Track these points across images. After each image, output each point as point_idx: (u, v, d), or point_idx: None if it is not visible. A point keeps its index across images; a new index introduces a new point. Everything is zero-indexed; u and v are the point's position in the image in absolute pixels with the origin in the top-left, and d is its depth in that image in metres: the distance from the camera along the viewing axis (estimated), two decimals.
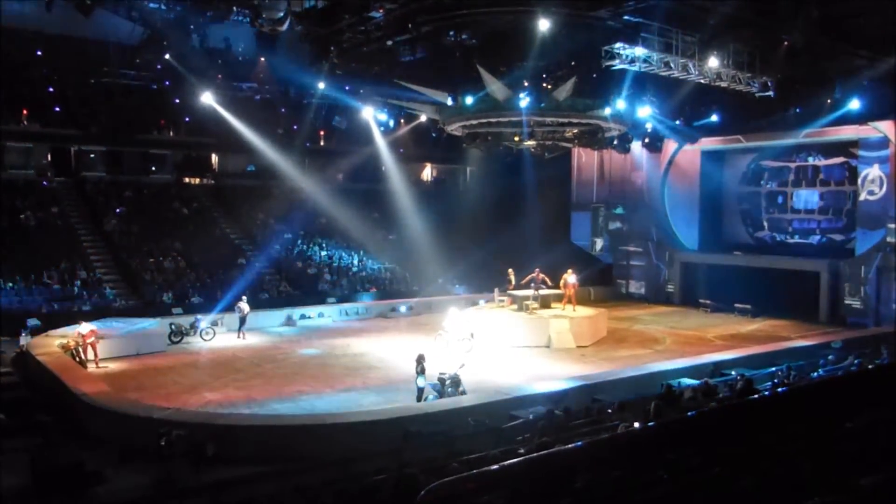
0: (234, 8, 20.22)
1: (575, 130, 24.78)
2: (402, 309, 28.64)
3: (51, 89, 29.20)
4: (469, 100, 22.15)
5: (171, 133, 34.14)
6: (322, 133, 36.63)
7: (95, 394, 14.62)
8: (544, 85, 21.96)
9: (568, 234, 37.57)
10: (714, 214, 33.54)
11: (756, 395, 10.12)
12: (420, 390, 15.44)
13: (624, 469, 5.09)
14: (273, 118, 32.37)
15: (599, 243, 36.25)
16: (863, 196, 26.89)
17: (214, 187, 34.59)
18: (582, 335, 22.26)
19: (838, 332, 24.15)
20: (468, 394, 15.20)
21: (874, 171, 26.47)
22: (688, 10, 18.51)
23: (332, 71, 23.75)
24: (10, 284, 23.59)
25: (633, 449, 5.56)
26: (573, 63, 21.78)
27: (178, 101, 29.55)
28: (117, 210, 29.86)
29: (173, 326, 22.46)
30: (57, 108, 30.38)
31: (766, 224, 31.93)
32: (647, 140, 31.27)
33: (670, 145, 32.20)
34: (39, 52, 27.55)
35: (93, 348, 18.73)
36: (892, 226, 25.50)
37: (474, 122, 23.78)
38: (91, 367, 18.38)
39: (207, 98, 27.25)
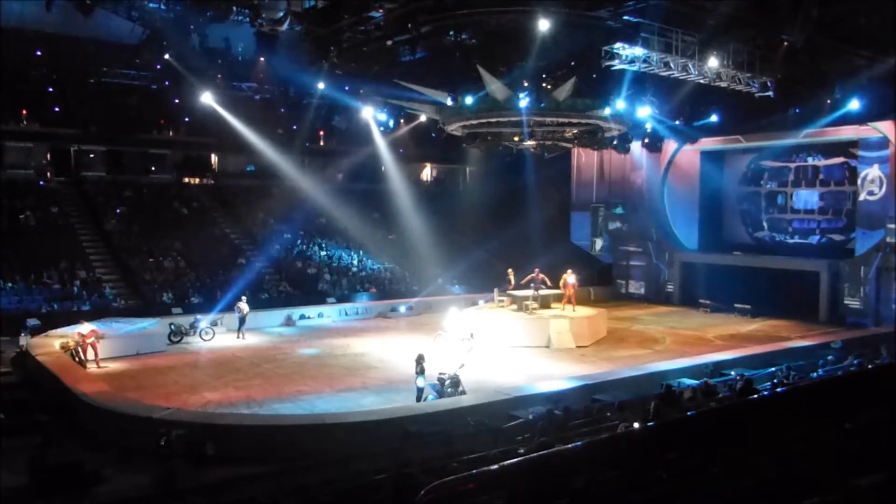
0: (234, 8, 20.21)
1: (575, 130, 24.77)
2: (402, 309, 28.64)
3: (50, 89, 29.23)
4: (469, 100, 22.13)
5: (171, 133, 34.18)
6: (322, 133, 36.68)
7: (95, 394, 14.63)
8: (544, 85, 21.95)
9: (568, 234, 37.56)
10: (714, 214, 33.54)
11: (756, 396, 10.12)
12: (420, 390, 15.44)
13: (623, 469, 5.09)
14: (273, 118, 32.39)
15: (599, 243, 36.24)
16: (862, 196, 26.88)
17: (214, 187, 34.59)
18: (582, 335, 22.26)
19: (838, 332, 24.16)
20: (468, 394, 15.19)
21: (874, 172, 26.46)
22: (688, 10, 18.51)
23: (331, 71, 23.72)
24: (10, 284, 23.59)
25: (632, 449, 5.56)
26: (573, 63, 21.77)
27: (177, 100, 29.55)
28: (117, 210, 29.86)
29: (173, 326, 22.46)
30: (56, 108, 30.41)
31: (765, 224, 31.93)
32: (646, 140, 31.26)
33: (670, 145, 32.19)
34: (39, 52, 27.57)
35: (93, 348, 18.73)
36: (892, 226, 25.48)
37: (474, 122, 23.76)
38: (91, 367, 18.38)
39: (207, 98, 27.25)
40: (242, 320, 23.16)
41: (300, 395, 16.40)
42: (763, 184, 31.94)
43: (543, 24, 17.79)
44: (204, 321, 22.86)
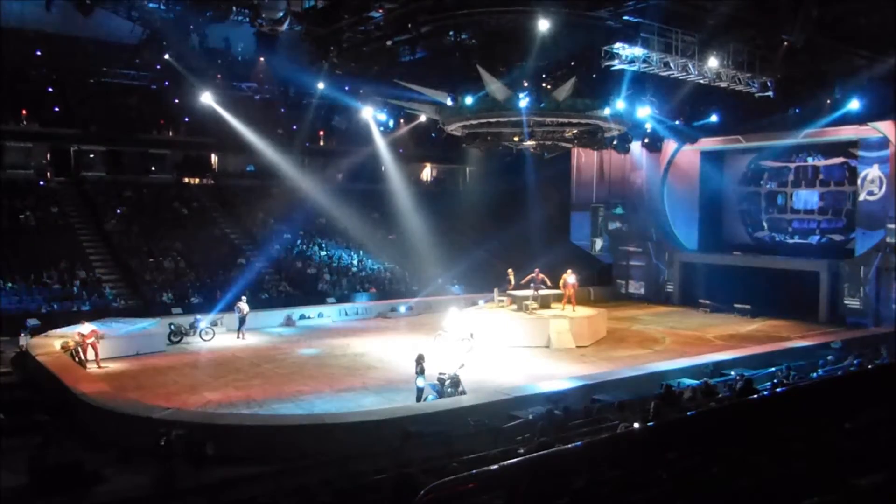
0: (234, 8, 20.20)
1: (574, 130, 24.77)
2: (402, 309, 28.64)
3: (50, 89, 29.22)
4: (469, 100, 22.13)
5: (171, 133, 34.18)
6: (322, 133, 36.68)
7: (95, 394, 14.63)
8: (544, 85, 21.95)
9: (567, 234, 37.56)
10: (714, 214, 33.55)
11: (755, 396, 10.12)
12: (420, 390, 15.44)
13: (623, 469, 5.09)
14: (273, 118, 32.38)
15: (599, 243, 36.24)
16: (862, 196, 26.88)
17: (214, 187, 34.60)
18: (581, 335, 22.26)
19: (838, 332, 24.17)
20: (468, 394, 15.19)
21: (874, 172, 26.47)
22: (688, 10, 18.50)
23: (331, 71, 23.72)
24: (10, 284, 23.58)
25: (632, 449, 5.56)
26: (573, 63, 21.76)
27: (177, 100, 29.55)
28: (117, 210, 29.86)
29: (173, 326, 22.47)
30: (56, 108, 30.41)
31: (765, 224, 31.93)
32: (646, 140, 31.25)
33: (670, 145, 32.19)
34: (39, 52, 27.56)
35: (93, 348, 18.74)
36: (892, 226, 25.49)
37: (474, 122, 23.76)
38: (92, 367, 18.39)
39: (207, 98, 27.24)
40: (242, 320, 23.16)
41: (300, 395, 16.40)
42: (763, 184, 31.94)
43: (543, 24, 17.79)
44: (204, 321, 22.87)
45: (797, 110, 25.89)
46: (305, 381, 17.71)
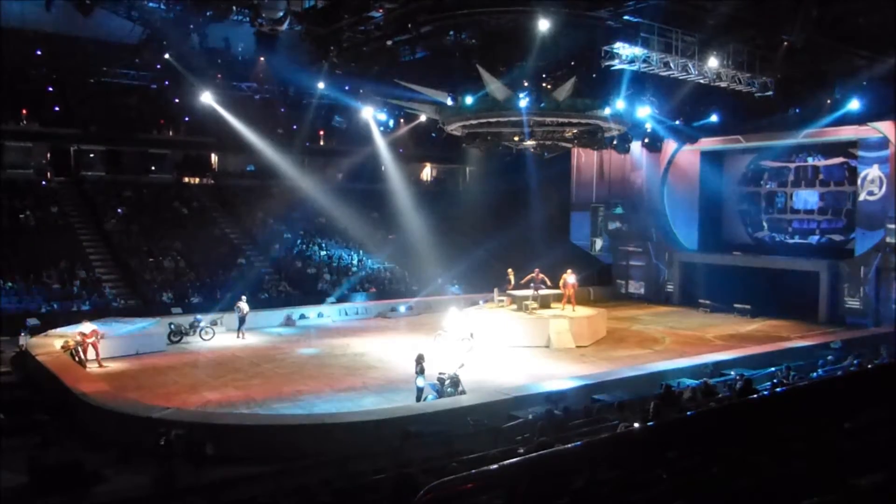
0: (234, 7, 20.21)
1: (574, 130, 24.77)
2: (402, 309, 28.64)
3: (50, 89, 29.19)
4: (469, 100, 22.13)
5: (171, 133, 34.17)
6: (322, 133, 36.66)
7: (95, 393, 14.63)
8: (544, 85, 21.96)
9: (567, 234, 37.57)
10: (713, 215, 33.55)
11: (755, 396, 10.12)
12: (419, 390, 15.44)
13: (623, 469, 5.09)
14: (273, 118, 32.36)
15: (599, 243, 36.25)
16: (862, 196, 26.89)
17: (214, 187, 34.60)
18: (581, 335, 22.26)
19: (837, 332, 24.18)
20: (467, 394, 15.19)
21: (874, 172, 26.47)
22: (688, 10, 18.51)
23: (331, 71, 23.74)
24: (10, 284, 23.57)
25: (632, 449, 5.56)
26: (573, 63, 21.77)
27: (177, 100, 29.54)
28: (117, 210, 29.85)
29: (173, 326, 22.46)
30: (56, 108, 30.39)
31: (765, 224, 31.93)
32: (646, 140, 31.25)
33: (670, 145, 32.19)
34: (39, 52, 27.55)
35: (94, 348, 18.74)
36: (892, 226, 25.49)
37: (474, 122, 23.76)
38: (93, 367, 18.40)
39: (207, 98, 27.24)
40: (242, 320, 23.16)
41: (300, 395, 16.40)
42: (763, 184, 31.95)
43: (543, 24, 17.79)
44: (204, 321, 22.86)
45: (797, 110, 25.90)
46: (305, 381, 17.71)
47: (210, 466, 11.62)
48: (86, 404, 14.10)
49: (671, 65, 19.49)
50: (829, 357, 18.19)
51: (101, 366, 18.64)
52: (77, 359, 18.25)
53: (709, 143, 31.23)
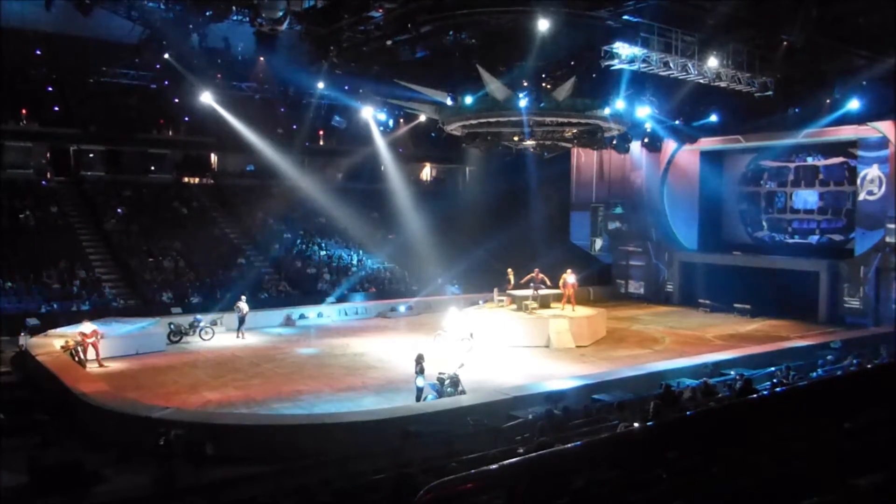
0: (234, 7, 20.19)
1: (574, 130, 24.78)
2: (402, 309, 28.65)
3: (50, 88, 29.18)
4: (469, 100, 22.14)
5: (171, 132, 34.17)
6: (321, 133, 36.65)
7: (94, 393, 14.63)
8: (544, 85, 21.96)
9: (567, 234, 37.58)
10: (713, 214, 33.56)
11: (755, 395, 10.12)
12: (419, 390, 15.45)
13: (623, 469, 5.08)
14: (272, 118, 32.35)
15: (599, 243, 36.27)
16: (862, 196, 26.90)
17: (214, 187, 34.59)
18: (581, 335, 22.26)
19: (837, 332, 24.20)
20: (467, 394, 15.20)
21: (873, 172, 26.48)
22: (688, 10, 18.50)
23: (331, 71, 23.72)
24: (10, 284, 23.57)
25: (632, 449, 5.56)
26: (573, 63, 21.76)
27: (177, 100, 29.51)
28: (117, 210, 29.84)
29: (172, 326, 22.47)
30: (56, 108, 30.38)
31: (765, 224, 31.93)
32: (646, 140, 31.25)
33: (670, 145, 32.20)
34: (39, 52, 27.52)
35: (94, 348, 18.75)
36: (892, 226, 25.50)
37: (474, 121, 23.78)
38: (93, 367, 18.41)
39: (207, 97, 27.22)
40: (242, 320, 23.16)
41: (300, 394, 16.40)
42: (763, 184, 31.95)
43: (543, 24, 17.78)
44: (203, 321, 22.86)
45: (797, 110, 25.89)
46: (305, 381, 17.71)
47: (210, 466, 11.62)
48: (86, 404, 14.10)
49: (671, 65, 19.49)
50: (829, 357, 18.19)
51: (101, 365, 18.67)
52: (77, 359, 18.26)
53: (708, 143, 31.24)
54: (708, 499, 4.54)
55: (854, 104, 24.00)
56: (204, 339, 22.51)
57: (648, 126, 28.65)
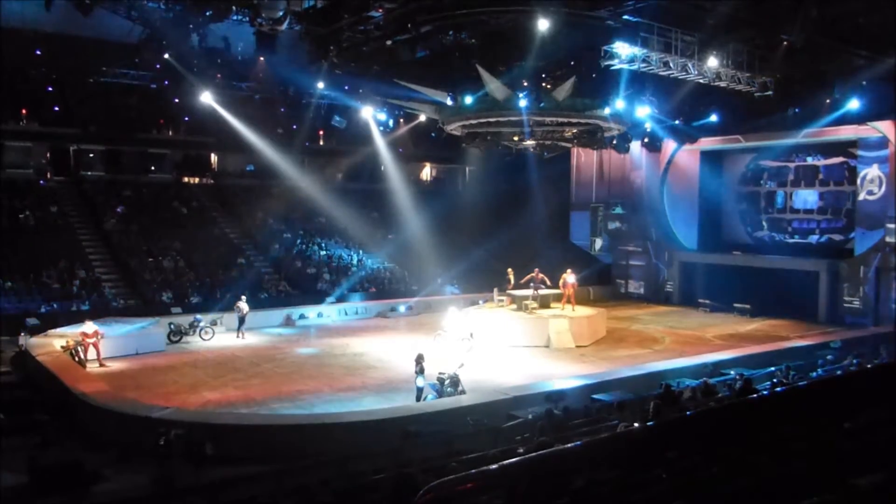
0: (234, 7, 20.18)
1: (574, 130, 24.78)
2: (402, 309, 28.65)
3: (50, 88, 29.16)
4: (468, 99, 22.14)
5: (171, 132, 34.17)
6: (321, 133, 36.64)
7: (94, 393, 14.62)
8: (544, 85, 21.96)
9: (567, 234, 37.58)
10: (713, 214, 33.55)
11: (755, 395, 10.12)
12: (419, 390, 15.45)
13: (623, 469, 5.09)
14: (272, 118, 32.34)
15: (599, 243, 36.26)
16: (862, 196, 26.90)
17: (214, 187, 34.59)
18: (581, 335, 22.26)
19: (837, 331, 24.18)
20: (467, 393, 15.20)
21: (873, 171, 26.48)
22: (688, 10, 18.49)
23: (331, 70, 23.71)
24: (9, 284, 23.57)
25: (632, 448, 5.56)
26: (572, 63, 21.75)
27: (177, 100, 29.50)
28: (116, 209, 29.84)
29: (172, 326, 22.47)
30: (56, 108, 30.37)
31: (765, 224, 31.92)
32: (646, 140, 31.26)
33: (669, 145, 32.21)
34: (38, 52, 27.51)
35: (95, 348, 18.75)
36: (892, 226, 25.50)
37: (474, 121, 23.77)
38: (93, 367, 18.41)
39: (207, 97, 27.21)
40: (242, 320, 23.16)
41: (300, 394, 16.40)
42: (762, 184, 31.94)
43: (543, 24, 17.76)
44: (203, 321, 22.86)
45: (797, 110, 25.89)
46: (305, 381, 17.71)
47: (210, 466, 11.61)
48: (86, 404, 14.10)
49: (671, 64, 19.48)
50: (829, 357, 18.18)
51: (102, 365, 18.67)
52: (77, 359, 18.27)
53: (708, 143, 31.24)
54: (708, 499, 4.54)
55: (854, 104, 24.00)
56: (204, 339, 22.51)
57: (648, 126, 28.66)
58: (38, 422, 13.83)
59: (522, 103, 21.27)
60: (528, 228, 34.14)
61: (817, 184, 30.12)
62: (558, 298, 23.82)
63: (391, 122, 31.78)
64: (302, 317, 26.50)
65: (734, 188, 33.07)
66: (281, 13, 19.01)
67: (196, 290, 26.37)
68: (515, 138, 25.03)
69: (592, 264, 34.93)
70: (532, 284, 23.24)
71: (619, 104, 22.69)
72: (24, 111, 30.44)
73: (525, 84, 21.26)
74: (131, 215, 29.80)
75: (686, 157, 32.77)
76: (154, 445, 11.64)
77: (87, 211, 29.59)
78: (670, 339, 23.75)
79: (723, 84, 21.05)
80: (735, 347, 21.32)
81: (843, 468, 4.44)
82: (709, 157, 32.83)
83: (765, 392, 11.51)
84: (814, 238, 30.21)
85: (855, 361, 16.80)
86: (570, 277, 23.61)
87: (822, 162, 29.88)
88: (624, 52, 18.61)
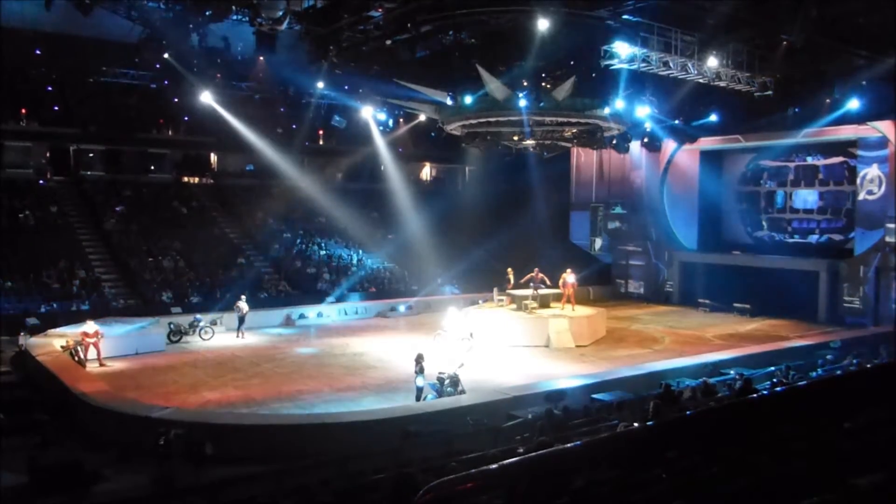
0: (234, 7, 20.19)
1: (574, 130, 24.77)
2: (402, 308, 28.64)
3: (50, 88, 29.21)
4: (468, 99, 22.14)
5: (171, 132, 34.18)
6: (321, 132, 36.66)
7: (94, 393, 14.62)
8: (543, 84, 21.95)
9: (567, 234, 37.58)
10: (713, 214, 33.55)
11: (755, 395, 10.12)
12: (419, 390, 15.45)
13: (623, 469, 5.09)
14: (272, 117, 32.36)
15: (598, 243, 36.26)
16: (862, 196, 26.89)
17: (214, 187, 34.60)
18: (581, 335, 22.26)
19: (837, 331, 24.18)
20: (467, 393, 15.20)
21: (873, 171, 26.47)
22: (687, 10, 18.49)
23: (331, 70, 23.72)
24: (9, 284, 23.57)
25: (631, 448, 5.56)
26: (572, 62, 21.77)
27: (177, 100, 29.53)
28: (116, 209, 29.85)
29: (172, 326, 22.46)
30: (56, 107, 30.41)
31: (765, 224, 31.92)
32: (646, 140, 31.24)
33: (669, 145, 32.20)
34: (38, 51, 27.54)
35: (95, 348, 18.75)
36: (891, 226, 25.49)
37: (474, 121, 23.77)
38: (93, 367, 18.41)
39: (206, 97, 27.21)
40: (242, 320, 23.16)
41: (299, 394, 16.40)
42: (762, 183, 31.93)
43: (543, 24, 17.77)
44: (203, 320, 22.86)
45: (797, 110, 25.87)
46: (305, 381, 17.70)
47: (209, 466, 11.60)
48: (85, 404, 14.10)
49: (670, 64, 19.48)
50: (829, 357, 18.19)
51: (102, 365, 18.67)
52: (77, 358, 18.26)
53: (708, 143, 31.23)
54: (708, 499, 4.54)
55: (854, 104, 23.99)
56: (204, 339, 22.51)
57: (648, 126, 28.65)
58: (38, 422, 13.82)
59: (522, 103, 21.27)
60: (527, 228, 34.14)
61: (817, 184, 30.12)
62: (558, 298, 23.81)
63: (391, 122, 31.80)
64: (302, 317, 26.50)
65: (734, 188, 33.07)
66: (281, 13, 19.02)
67: (196, 289, 26.37)
68: (515, 138, 25.04)
69: (592, 264, 34.92)
70: (532, 284, 23.24)
71: (619, 104, 22.69)
72: (24, 111, 30.45)
73: (525, 84, 21.26)
74: (131, 215, 29.80)
75: (686, 156, 32.77)
76: (154, 445, 11.64)
77: (87, 211, 29.59)
78: (670, 338, 23.76)
79: (723, 84, 21.06)
80: (735, 347, 21.31)
81: (843, 468, 4.44)
82: (709, 157, 32.82)
83: (765, 392, 11.51)
84: (814, 238, 30.20)
85: (855, 361, 16.80)
86: (569, 277, 23.61)
87: (821, 162, 29.87)
88: (624, 51, 18.61)
